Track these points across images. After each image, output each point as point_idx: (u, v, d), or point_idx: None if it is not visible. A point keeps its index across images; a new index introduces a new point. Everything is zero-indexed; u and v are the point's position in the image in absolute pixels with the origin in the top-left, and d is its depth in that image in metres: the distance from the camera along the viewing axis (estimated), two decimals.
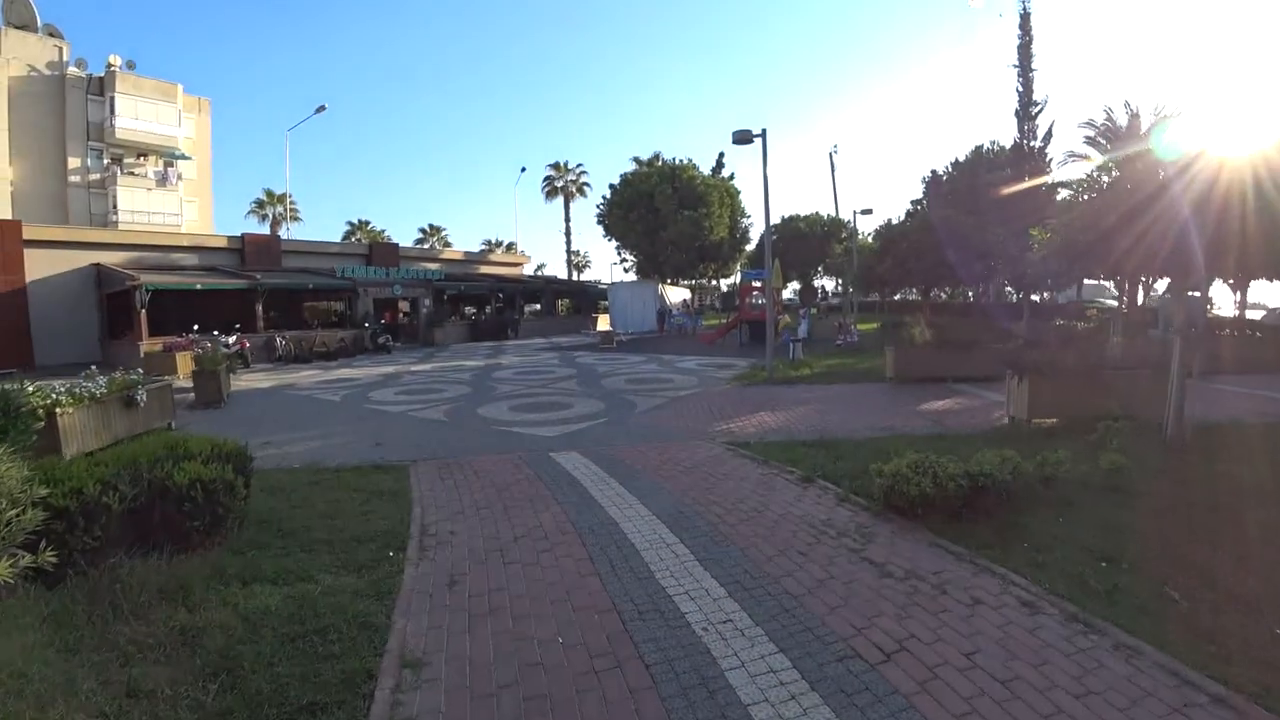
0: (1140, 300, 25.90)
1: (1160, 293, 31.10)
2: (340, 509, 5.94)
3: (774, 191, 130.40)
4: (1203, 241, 7.75)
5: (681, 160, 38.96)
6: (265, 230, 47.45)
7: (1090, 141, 36.26)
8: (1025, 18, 25.91)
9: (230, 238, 28.06)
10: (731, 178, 44.59)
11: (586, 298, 46.38)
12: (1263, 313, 31.70)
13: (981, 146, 36.07)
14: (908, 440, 8.23)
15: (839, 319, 32.81)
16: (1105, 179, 9.88)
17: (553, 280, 50.93)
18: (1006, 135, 39.33)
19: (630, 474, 6.93)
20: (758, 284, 27.93)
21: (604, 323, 40.72)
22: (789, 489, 6.35)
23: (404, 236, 65.27)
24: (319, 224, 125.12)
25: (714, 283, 60.48)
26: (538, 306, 43.67)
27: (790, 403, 11.82)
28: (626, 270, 44.08)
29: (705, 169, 42.23)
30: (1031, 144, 26.31)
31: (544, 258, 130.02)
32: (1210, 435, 8.37)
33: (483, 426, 10.22)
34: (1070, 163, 34.27)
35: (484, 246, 67.38)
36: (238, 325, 21.77)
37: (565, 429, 9.78)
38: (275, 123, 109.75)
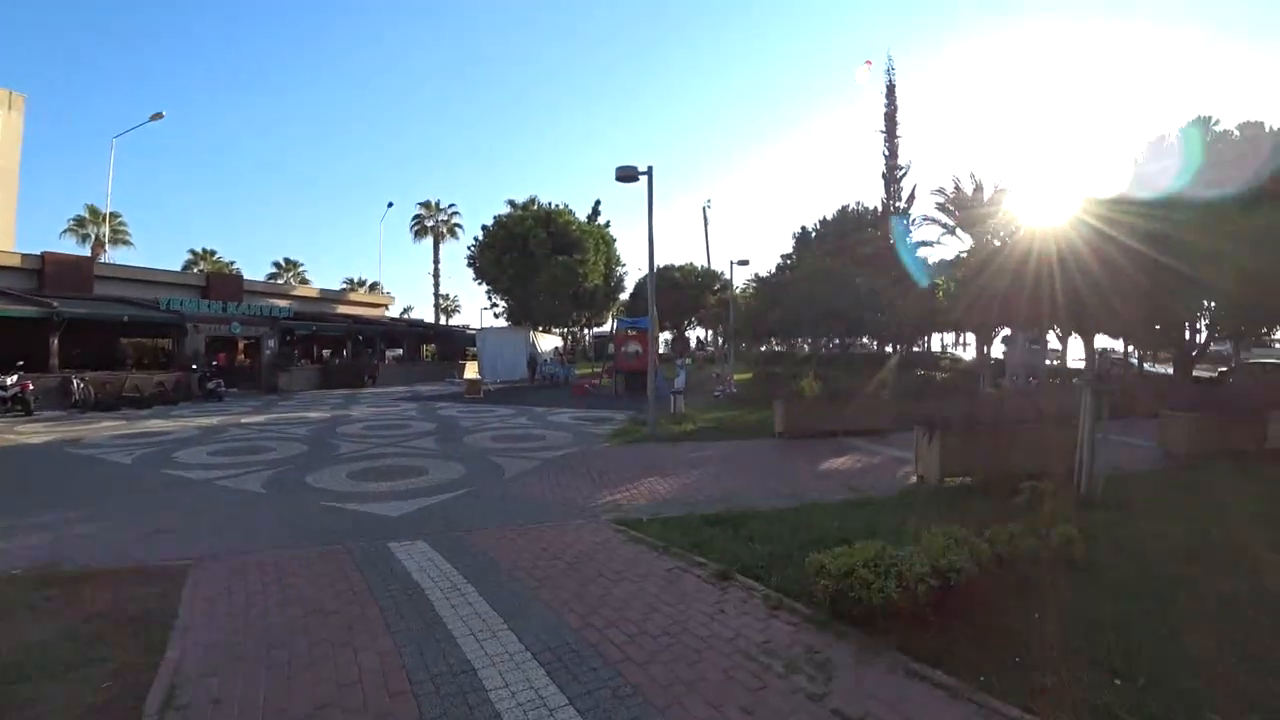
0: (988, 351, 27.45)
1: (1005, 345, 33.67)
2: (45, 654, 3.78)
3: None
4: (1019, 302, 8.82)
5: (558, 205, 37.90)
6: (86, 252, 40.48)
7: (940, 207, 39.26)
8: (891, 89, 27.80)
9: (26, 256, 23.47)
10: (607, 225, 44.15)
11: (454, 343, 43.67)
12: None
13: (847, 206, 38.04)
14: (824, 511, 7.11)
15: (716, 369, 32.58)
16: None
17: (417, 324, 47.73)
18: (875, 196, 41.72)
19: (495, 576, 5.18)
20: (633, 332, 26.95)
21: (472, 370, 38.19)
22: (704, 592, 4.87)
23: (257, 271, 59.13)
24: (157, 251, 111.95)
25: (587, 331, 59.48)
26: (400, 351, 40.42)
27: (680, 465, 10.48)
28: (497, 316, 41.93)
29: (582, 216, 41.46)
30: (896, 204, 27.82)
31: (411, 300, 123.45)
32: (1113, 488, 7.94)
33: (309, 502, 8.00)
34: (924, 225, 37.29)
35: (344, 285, 62.48)
36: (21, 362, 17.72)
37: (415, 504, 7.79)
38: (110, 137, 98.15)
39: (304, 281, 55.15)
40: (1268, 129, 26.11)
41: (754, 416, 17.03)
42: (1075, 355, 30.87)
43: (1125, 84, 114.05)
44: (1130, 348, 27.03)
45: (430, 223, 54.07)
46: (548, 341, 39.19)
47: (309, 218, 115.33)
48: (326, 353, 35.79)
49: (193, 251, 54.05)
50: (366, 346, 35.69)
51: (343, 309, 37.73)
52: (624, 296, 49.15)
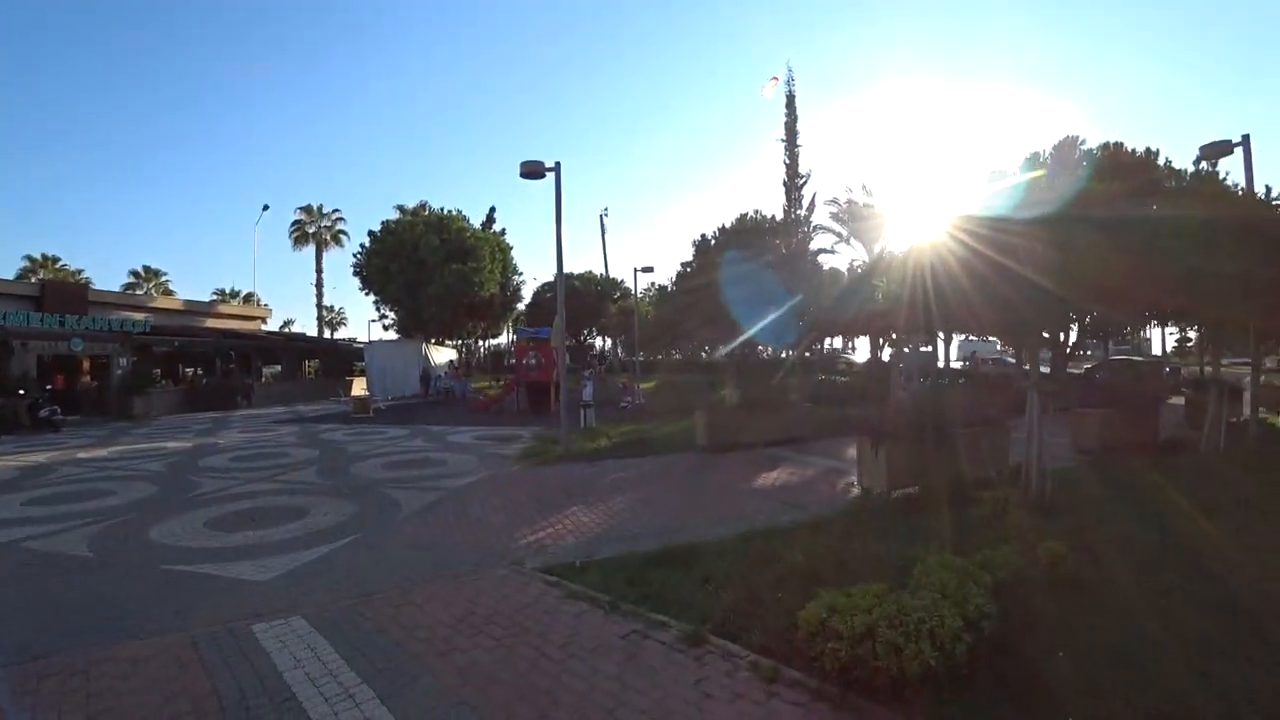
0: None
1: (905, 349, 34.90)
2: None
3: (546, 250, 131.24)
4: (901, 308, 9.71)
5: (451, 210, 35.94)
6: None
7: (834, 217, 40.38)
8: (791, 99, 28.20)
9: None
10: (503, 233, 42.51)
11: (340, 358, 40.52)
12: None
13: (746, 214, 38.35)
14: (778, 537, 6.28)
15: (622, 380, 31.74)
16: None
17: (299, 338, 44.02)
18: (777, 204, 42.36)
19: (402, 670, 3.91)
20: (535, 343, 25.62)
21: (360, 387, 35.48)
22: (676, 665, 3.85)
23: (112, 281, 52.56)
24: None
25: (482, 343, 57.18)
26: (279, 368, 36.95)
27: (604, 489, 9.43)
28: (386, 328, 39.20)
29: (475, 223, 39.58)
30: (798, 212, 28.24)
31: (292, 313, 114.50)
32: (1055, 489, 7.68)
33: (149, 566, 6.28)
34: (819, 234, 38.33)
35: (215, 296, 56.90)
36: None
37: (291, 561, 6.28)
38: None
39: (167, 292, 49.85)
40: (1128, 149, 28.63)
41: (669, 429, 16.25)
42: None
43: (1007, 103, 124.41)
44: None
45: (312, 229, 50.02)
46: (441, 355, 37.05)
47: (176, 223, 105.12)
48: (193, 371, 32.00)
49: (30, 258, 47.47)
50: (241, 364, 32.26)
51: (212, 323, 33.92)
52: (521, 306, 47.55)
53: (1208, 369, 14.24)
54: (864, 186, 37.47)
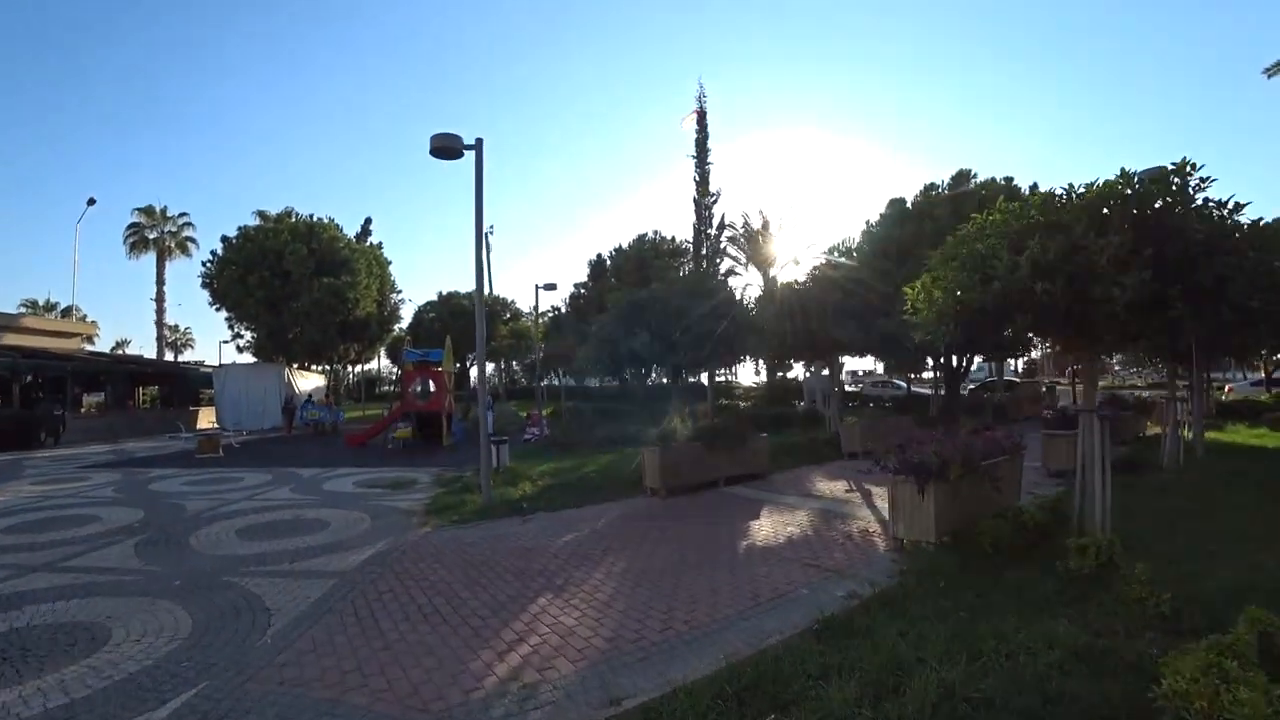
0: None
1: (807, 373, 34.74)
2: None
3: (428, 270, 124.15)
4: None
5: (322, 218, 31.80)
6: None
7: (732, 240, 40.01)
8: (702, 115, 27.15)
9: None
10: (380, 247, 38.57)
11: (184, 385, 34.71)
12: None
13: (645, 235, 37.11)
14: (860, 631, 4.33)
15: (516, 408, 29.12)
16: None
17: (131, 360, 37.41)
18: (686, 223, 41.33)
19: None
20: (414, 367, 22.48)
21: (208, 419, 30.38)
22: None
23: None
24: None
25: (354, 368, 51.90)
26: (102, 396, 30.97)
27: (564, 560, 7.01)
28: (242, 350, 34.01)
29: (350, 235, 35.48)
30: (707, 231, 27.12)
31: (128, 332, 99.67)
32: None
33: None
34: (721, 261, 37.63)
35: (22, 308, 47.92)
36: None
37: None
38: None
39: None
40: (1000, 180, 30.00)
41: (593, 466, 14.05)
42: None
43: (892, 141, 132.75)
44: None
45: (153, 234, 43.06)
46: (308, 381, 32.56)
47: None
48: None
49: None
50: (52, 390, 26.43)
51: (12, 339, 27.54)
52: (401, 327, 43.47)
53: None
54: (760, 212, 37.38)
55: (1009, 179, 29.48)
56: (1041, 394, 32.87)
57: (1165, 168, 5.99)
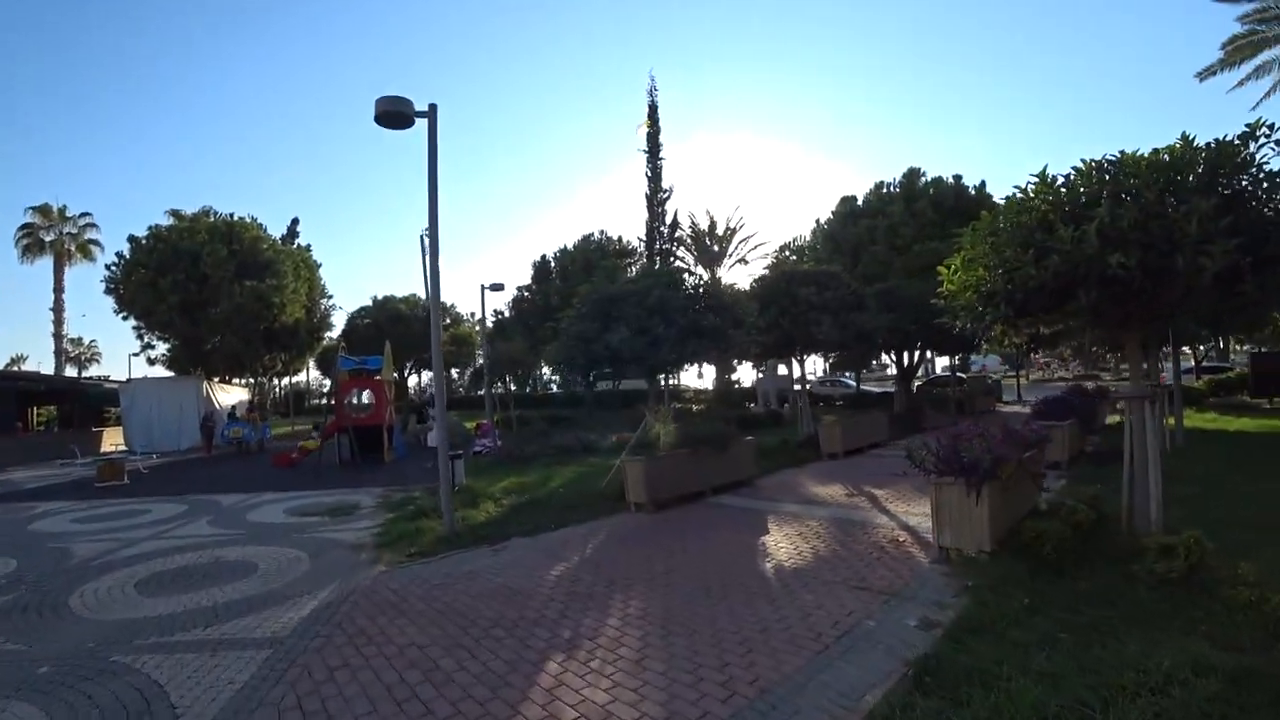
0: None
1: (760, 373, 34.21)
2: None
3: (364, 273, 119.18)
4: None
5: (244, 218, 29.21)
6: None
7: (678, 241, 39.34)
8: (653, 109, 26.33)
9: None
10: (308, 249, 36.04)
11: (84, 403, 31.27)
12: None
13: (591, 235, 35.91)
14: (948, 693, 3.34)
15: (476, 420, 27.38)
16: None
17: (18, 377, 33.49)
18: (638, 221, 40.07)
19: None
20: (351, 376, 20.63)
21: (114, 440, 27.38)
22: None
23: None
24: None
25: (281, 380, 48.61)
26: None
27: (561, 606, 5.65)
28: (154, 362, 30.97)
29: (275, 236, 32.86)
30: (660, 228, 26.26)
31: (23, 346, 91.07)
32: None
33: None
34: (672, 261, 36.80)
35: None
36: None
37: None
38: None
39: None
40: (947, 180, 30.33)
41: (558, 479, 12.84)
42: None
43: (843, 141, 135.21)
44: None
45: (50, 236, 39.06)
46: (229, 396, 29.86)
47: None
48: None
49: None
50: None
51: None
52: (332, 335, 40.81)
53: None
54: (708, 212, 36.76)
55: (958, 177, 29.81)
56: (990, 388, 33.24)
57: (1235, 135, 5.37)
